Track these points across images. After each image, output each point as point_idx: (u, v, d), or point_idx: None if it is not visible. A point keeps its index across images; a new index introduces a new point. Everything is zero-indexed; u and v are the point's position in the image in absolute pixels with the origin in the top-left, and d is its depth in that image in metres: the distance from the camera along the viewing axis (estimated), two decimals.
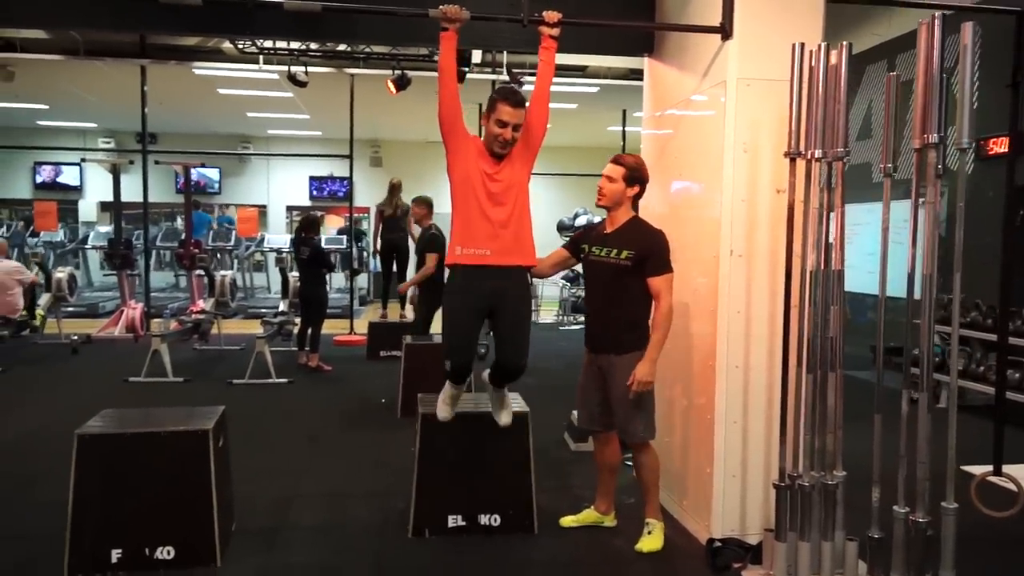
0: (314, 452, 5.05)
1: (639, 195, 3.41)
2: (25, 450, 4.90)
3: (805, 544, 3.06)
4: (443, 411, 3.42)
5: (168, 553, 3.17)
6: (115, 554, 3.13)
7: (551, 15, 3.14)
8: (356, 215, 15.04)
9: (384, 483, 4.29)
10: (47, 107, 13.14)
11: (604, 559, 3.42)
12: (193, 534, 3.21)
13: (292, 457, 4.90)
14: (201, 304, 9.04)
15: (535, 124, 3.22)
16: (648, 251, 3.27)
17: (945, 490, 2.75)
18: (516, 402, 3.69)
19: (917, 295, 2.75)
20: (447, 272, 3.31)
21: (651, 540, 3.44)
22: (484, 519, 3.61)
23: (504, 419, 3.45)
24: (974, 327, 6.34)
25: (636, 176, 3.35)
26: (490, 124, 3.10)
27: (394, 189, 8.88)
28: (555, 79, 10.36)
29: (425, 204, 7.00)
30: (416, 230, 9.19)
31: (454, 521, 3.59)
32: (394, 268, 9.01)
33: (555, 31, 3.17)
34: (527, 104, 3.14)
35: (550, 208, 14.06)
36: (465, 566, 3.35)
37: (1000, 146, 6.65)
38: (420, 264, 6.88)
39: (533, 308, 12.60)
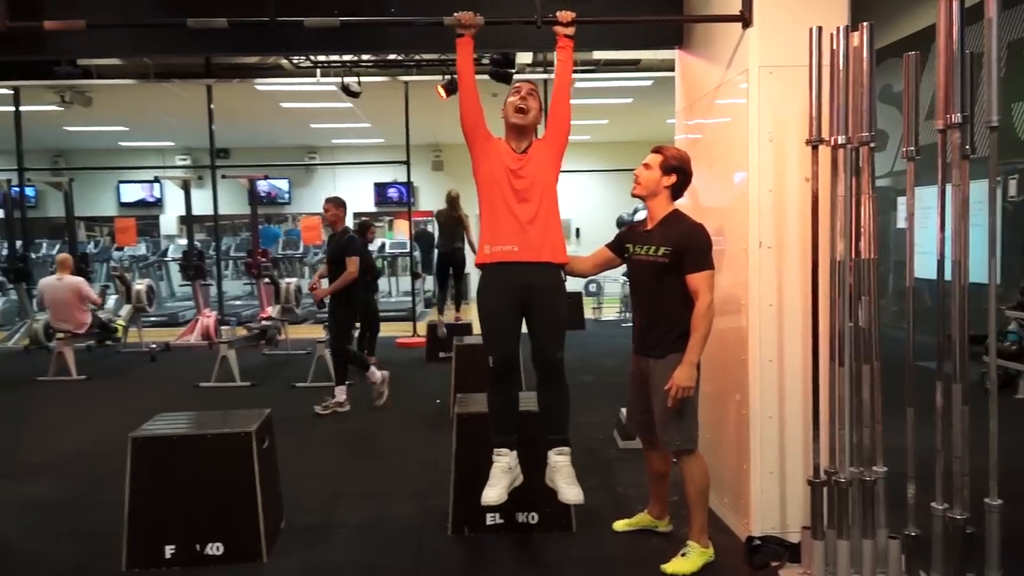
0: (366, 452, 5.19)
1: (678, 187, 3.26)
2: (97, 453, 5.19)
3: (844, 542, 2.98)
4: (489, 494, 3.09)
5: (217, 549, 3.32)
6: (168, 550, 3.30)
7: (565, 15, 3.14)
8: (419, 219, 15.29)
9: (429, 482, 4.37)
10: (127, 129, 13.86)
11: (642, 558, 3.38)
12: (240, 531, 3.35)
13: (344, 457, 5.06)
14: (269, 311, 9.36)
15: (558, 122, 3.20)
16: (685, 246, 3.12)
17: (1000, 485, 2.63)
18: None
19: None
20: (479, 273, 3.28)
21: (680, 563, 3.19)
22: (522, 517, 3.65)
23: (572, 497, 3.10)
24: None
25: (673, 166, 3.20)
26: (507, 103, 3.14)
27: (452, 201, 8.68)
28: (609, 74, 10.30)
29: (340, 205, 6.36)
30: (476, 239, 9.14)
31: (492, 519, 3.63)
32: (450, 280, 8.88)
33: (570, 30, 3.16)
34: (538, 89, 3.17)
35: (609, 204, 14.01)
36: (502, 563, 3.39)
37: None
38: (337, 268, 6.15)
39: (596, 306, 12.71)
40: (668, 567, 3.20)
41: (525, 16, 3.25)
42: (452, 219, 8.62)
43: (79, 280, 8.50)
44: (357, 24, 3.28)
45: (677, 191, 3.26)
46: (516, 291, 3.10)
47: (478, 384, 4.21)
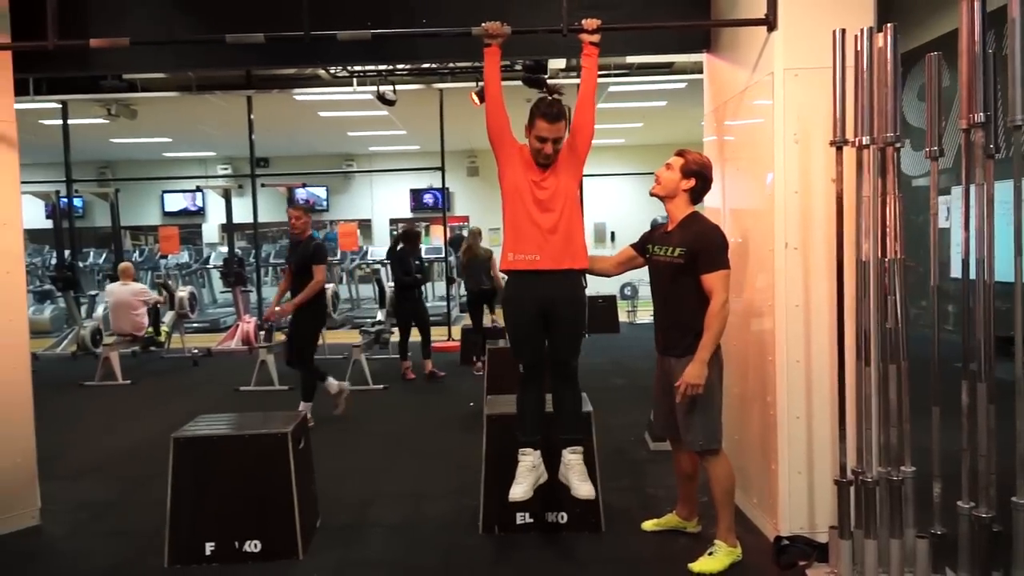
0: (400, 453, 5.28)
1: (697, 191, 3.30)
2: (141, 454, 5.37)
3: (872, 542, 2.98)
4: (516, 491, 3.25)
5: (255, 546, 3.44)
6: (208, 547, 3.41)
7: (590, 22, 3.19)
8: (455, 224, 15.42)
9: (461, 482, 4.44)
10: (170, 140, 14.24)
11: (670, 557, 3.42)
12: (276, 529, 3.46)
13: (379, 458, 5.16)
14: None
15: (581, 130, 3.25)
16: (700, 247, 3.17)
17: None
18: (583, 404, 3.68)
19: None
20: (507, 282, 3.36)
21: (708, 561, 3.22)
22: (551, 516, 3.70)
23: (584, 493, 3.26)
24: None
25: (693, 170, 3.25)
26: (531, 139, 3.18)
27: (474, 236, 8.51)
28: (643, 77, 10.18)
29: (308, 211, 6.05)
30: (502, 278, 8.45)
31: (522, 518, 3.70)
32: (484, 322, 8.44)
33: (595, 38, 3.21)
34: (567, 117, 3.18)
35: (644, 207, 13.97)
36: (531, 561, 3.45)
37: None
38: (302, 278, 5.77)
39: (630, 309, 12.69)
40: (696, 566, 3.23)
41: (551, 24, 3.31)
42: (476, 257, 8.30)
43: (141, 286, 9.15)
44: (388, 36, 3.38)
45: (696, 195, 3.31)
46: (539, 300, 3.21)
47: (511, 387, 4.28)
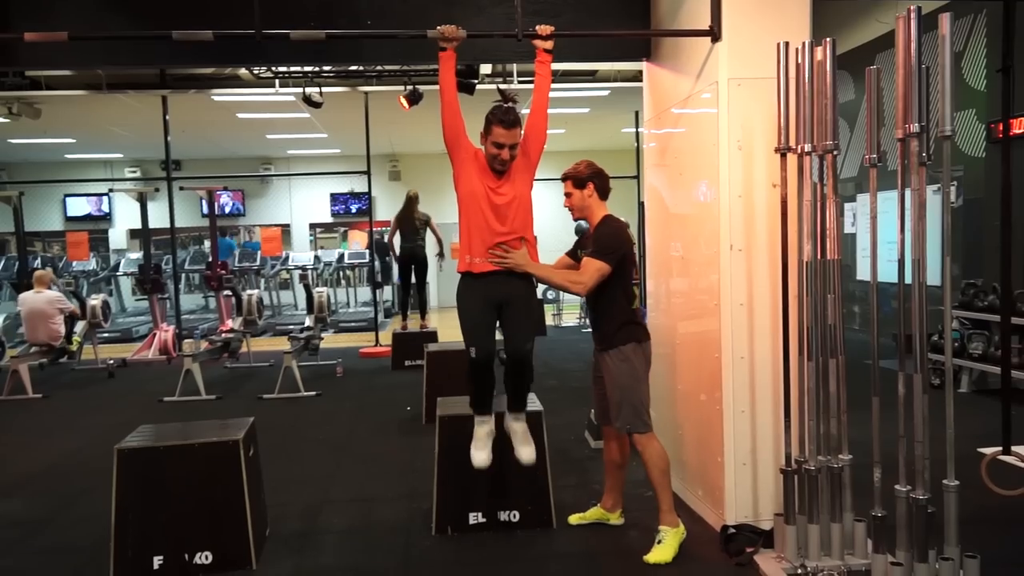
0: (342, 460, 5.22)
1: (600, 189, 3.50)
2: (67, 470, 5.12)
3: (814, 526, 3.16)
4: (478, 457, 3.37)
5: (206, 558, 3.34)
6: (157, 561, 3.30)
7: (543, 29, 3.26)
8: (377, 229, 15.23)
9: (409, 486, 4.44)
10: (74, 141, 13.54)
11: (620, 550, 3.52)
12: (229, 539, 3.37)
13: (321, 465, 5.08)
14: (230, 324, 9.27)
15: (534, 135, 3.32)
16: (595, 237, 3.44)
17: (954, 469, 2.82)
18: (531, 402, 3.75)
19: (908, 280, 2.84)
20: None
21: (660, 550, 3.36)
22: (504, 515, 3.75)
23: (526, 456, 3.40)
24: (991, 311, 6.34)
25: (583, 178, 3.48)
26: (488, 145, 3.22)
27: (411, 201, 9.09)
28: (566, 84, 10.34)
29: None
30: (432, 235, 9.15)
31: (475, 518, 3.73)
32: (413, 279, 9.22)
33: (548, 44, 3.29)
34: (521, 123, 3.24)
35: (567, 213, 14.21)
36: (486, 560, 3.48)
37: (1015, 127, 6.67)
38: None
39: (556, 312, 12.87)
40: (650, 557, 3.35)
41: (501, 28, 3.37)
42: (412, 219, 8.95)
43: (57, 294, 8.69)
44: (340, 37, 3.35)
45: (602, 193, 3.52)
46: (494, 295, 3.29)
47: (451, 390, 4.33)
